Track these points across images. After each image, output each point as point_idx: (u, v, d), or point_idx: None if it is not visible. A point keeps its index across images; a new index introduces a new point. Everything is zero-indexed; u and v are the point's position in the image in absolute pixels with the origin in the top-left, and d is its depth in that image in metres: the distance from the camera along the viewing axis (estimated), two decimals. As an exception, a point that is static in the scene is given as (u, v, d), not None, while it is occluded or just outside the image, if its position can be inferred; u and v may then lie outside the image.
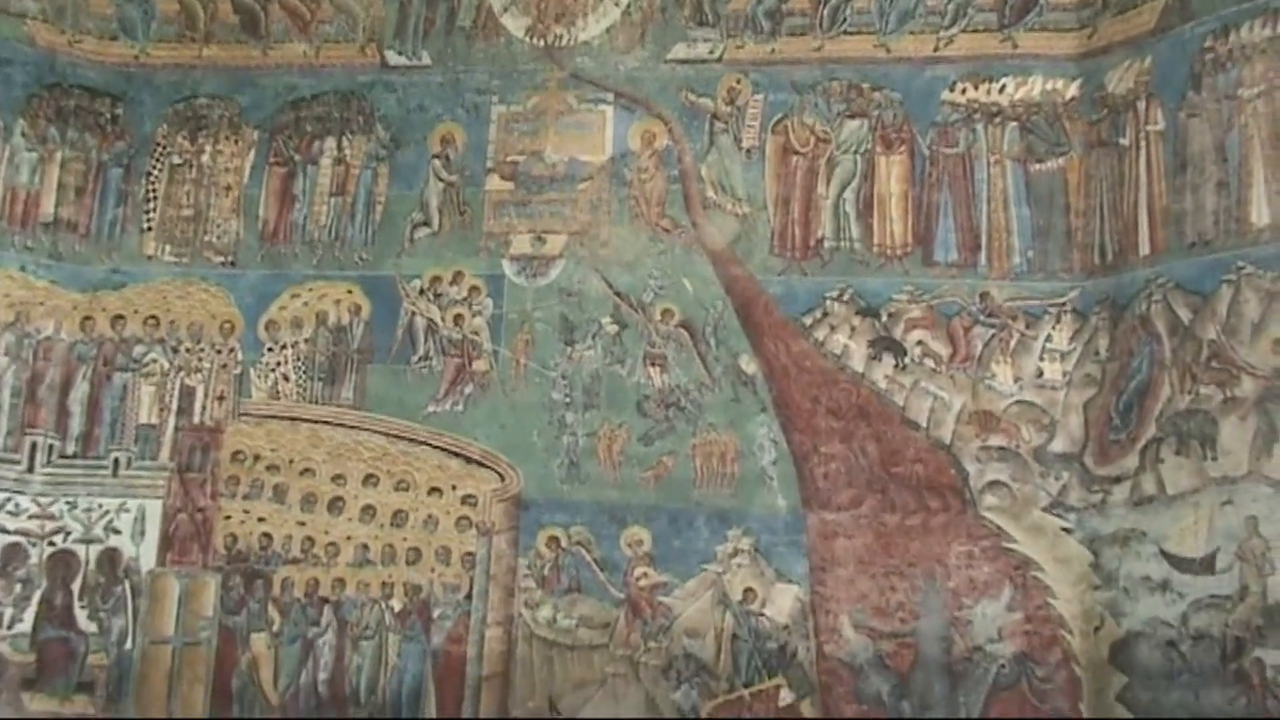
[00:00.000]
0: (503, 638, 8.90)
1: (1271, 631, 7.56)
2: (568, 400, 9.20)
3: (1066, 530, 8.64)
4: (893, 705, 8.57)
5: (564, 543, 8.98)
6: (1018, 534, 8.71)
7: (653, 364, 9.22)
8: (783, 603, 8.79)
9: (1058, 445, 8.77)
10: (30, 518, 9.16)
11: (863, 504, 8.86)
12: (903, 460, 8.89)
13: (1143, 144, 8.73)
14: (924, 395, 8.97)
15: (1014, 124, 9.22)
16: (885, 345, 9.05)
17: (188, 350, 9.50)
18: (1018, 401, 8.89)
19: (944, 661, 8.60)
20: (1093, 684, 8.35)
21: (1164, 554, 8.12)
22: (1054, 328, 8.94)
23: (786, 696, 8.67)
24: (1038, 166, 9.18)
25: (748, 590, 8.83)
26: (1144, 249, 8.61)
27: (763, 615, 8.79)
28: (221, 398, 9.39)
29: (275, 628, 9.05)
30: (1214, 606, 7.84)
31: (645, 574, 8.91)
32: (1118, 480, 8.47)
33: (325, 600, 9.05)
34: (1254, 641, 7.64)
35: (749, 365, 9.14)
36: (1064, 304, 8.95)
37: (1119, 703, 8.21)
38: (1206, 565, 7.92)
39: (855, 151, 9.34)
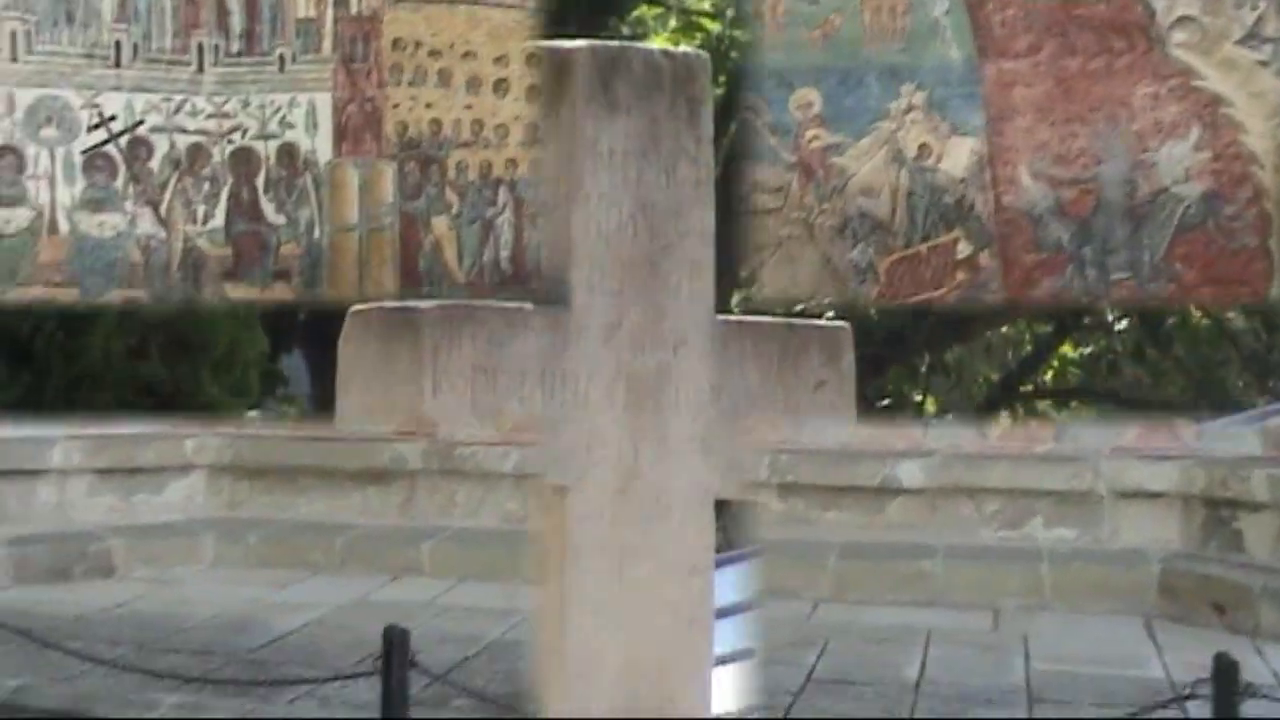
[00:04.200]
0: (677, 207, 8.93)
1: None
2: (728, -39, 8.87)
3: (1261, 63, 8.19)
4: (1073, 251, 8.46)
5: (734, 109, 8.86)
6: (1207, 70, 8.28)
7: (816, -85, 8.76)
8: (959, 156, 8.59)
9: (1254, -27, 8.26)
10: (208, 117, 9.30)
11: (1042, 49, 8.47)
12: (1084, -1, 8.46)
13: None
14: (1108, -74, 8.43)
15: None
16: (1067, -126, 8.45)
17: (336, -64, 9.32)
18: (1211, -76, 8.31)
19: (1127, 205, 8.40)
20: (1284, 218, 8.15)
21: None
22: None
23: (964, 249, 8.61)
24: None
25: (922, 145, 8.63)
26: None
27: (938, 170, 8.62)
28: (376, -16, 9.27)
29: (454, 210, 9.19)
30: None
31: (817, 136, 8.75)
32: (1319, 5, 7.98)
33: (500, 181, 9.14)
34: None
35: (917, -91, 8.65)
36: None
37: (1311, 234, 8.01)
38: None
39: None
